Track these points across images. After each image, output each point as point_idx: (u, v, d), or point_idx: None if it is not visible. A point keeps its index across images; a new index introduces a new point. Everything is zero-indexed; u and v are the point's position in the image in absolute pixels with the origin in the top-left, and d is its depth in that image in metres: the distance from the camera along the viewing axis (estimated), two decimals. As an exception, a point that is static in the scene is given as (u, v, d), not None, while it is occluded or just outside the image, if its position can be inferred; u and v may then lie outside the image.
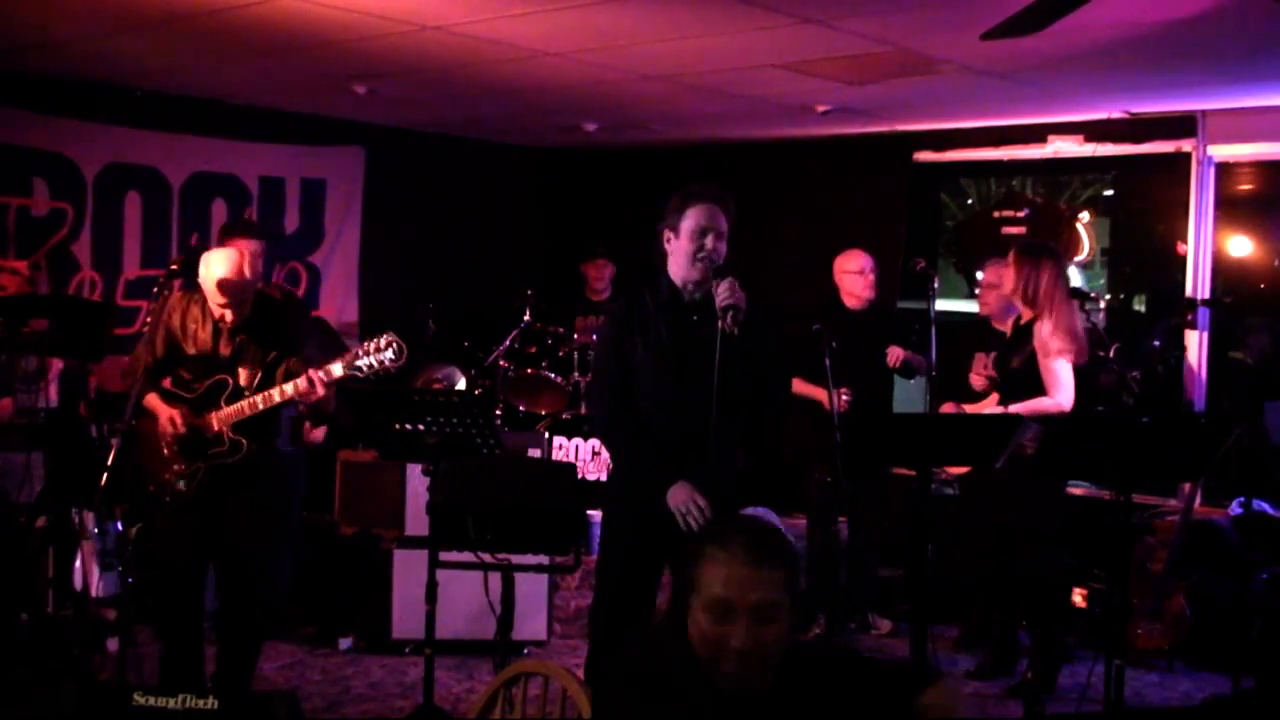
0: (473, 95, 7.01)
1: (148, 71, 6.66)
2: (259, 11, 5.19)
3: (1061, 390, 5.22)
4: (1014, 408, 5.30)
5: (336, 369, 4.41)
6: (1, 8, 5.35)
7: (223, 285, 4.42)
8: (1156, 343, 6.61)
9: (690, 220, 3.98)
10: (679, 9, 5.02)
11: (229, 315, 4.49)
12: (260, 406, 4.50)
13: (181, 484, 4.52)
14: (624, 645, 2.34)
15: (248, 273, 4.51)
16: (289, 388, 4.47)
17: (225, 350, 4.57)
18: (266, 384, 4.54)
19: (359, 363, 4.38)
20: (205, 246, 7.59)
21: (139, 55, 6.21)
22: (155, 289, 4.66)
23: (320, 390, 4.42)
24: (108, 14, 5.36)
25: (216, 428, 4.53)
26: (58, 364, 5.77)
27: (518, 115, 7.74)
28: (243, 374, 4.56)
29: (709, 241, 3.94)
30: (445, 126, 8.45)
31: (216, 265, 4.44)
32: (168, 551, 4.59)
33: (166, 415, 4.52)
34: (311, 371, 4.42)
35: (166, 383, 4.67)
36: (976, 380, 5.68)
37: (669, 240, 4.04)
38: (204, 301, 4.57)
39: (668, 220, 4.04)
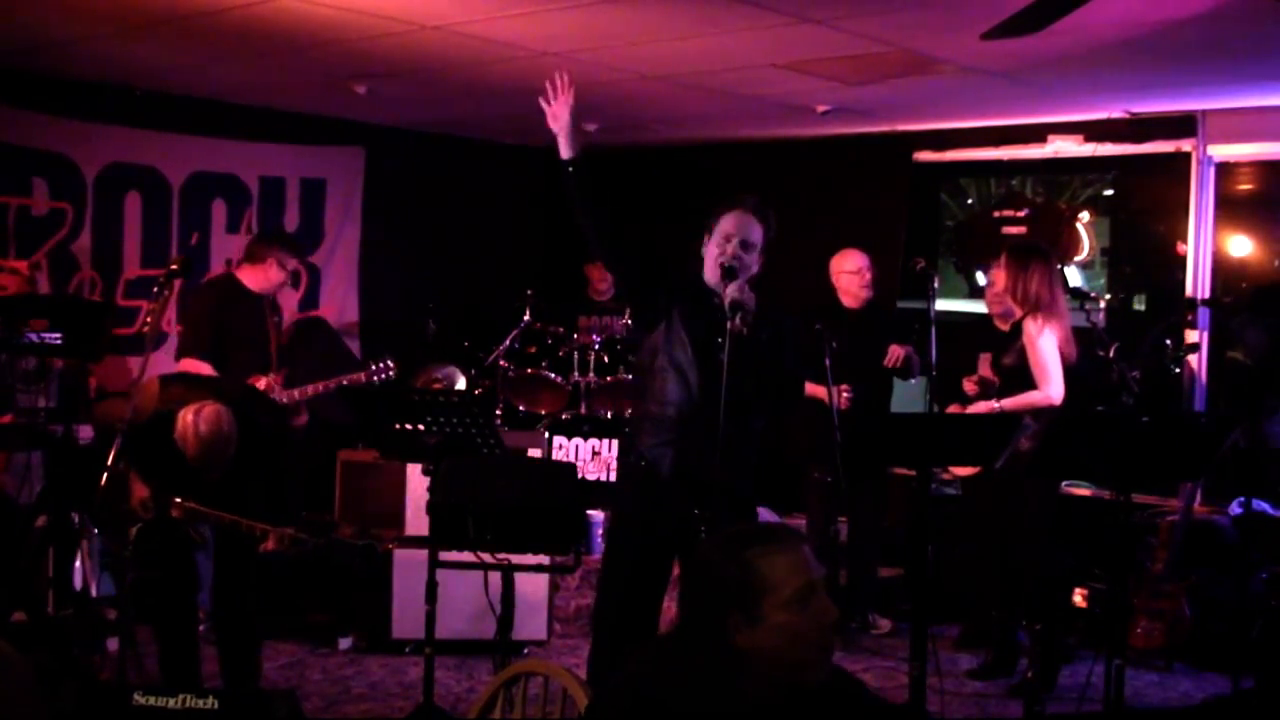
0: (473, 95, 7.00)
1: (148, 71, 6.66)
2: (259, 11, 5.19)
3: (1051, 384, 5.27)
4: (1005, 402, 5.38)
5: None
6: (2, 8, 5.35)
7: (187, 455, 4.37)
8: (1168, 341, 6.61)
9: (721, 225, 4.09)
10: (679, 9, 5.02)
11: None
12: (224, 522, 4.38)
13: (129, 543, 4.46)
14: (627, 664, 2.29)
15: (226, 429, 4.40)
16: (256, 530, 4.30)
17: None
18: (236, 512, 4.39)
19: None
20: (205, 246, 7.65)
21: (139, 55, 6.21)
22: (155, 289, 4.65)
23: (270, 548, 4.29)
24: (108, 14, 5.36)
25: (177, 515, 4.43)
26: (59, 364, 5.77)
27: (518, 115, 7.70)
28: (210, 490, 4.44)
29: (731, 247, 4.02)
30: (445, 126, 8.45)
31: (183, 429, 4.36)
32: (160, 550, 4.59)
33: (138, 497, 4.46)
34: (280, 533, 4.29)
35: None
36: (968, 385, 5.70)
37: (705, 242, 4.14)
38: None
39: (707, 223, 4.15)
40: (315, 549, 4.21)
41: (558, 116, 4.07)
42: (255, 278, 6.01)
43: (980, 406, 5.48)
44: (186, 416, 4.39)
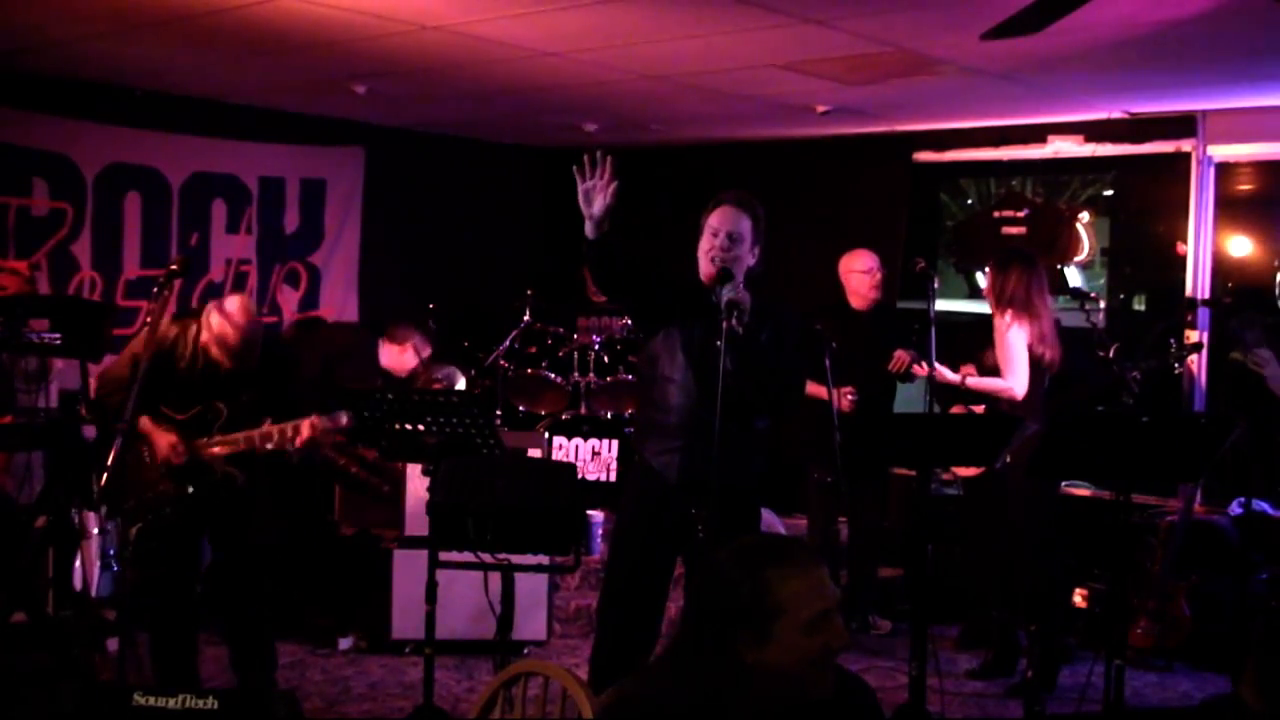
0: (472, 95, 7.01)
1: (148, 71, 6.66)
2: (259, 11, 5.19)
3: (1014, 375, 5.35)
4: (971, 381, 5.50)
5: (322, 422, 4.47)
6: (1, 8, 5.35)
7: (228, 350, 4.43)
8: (1171, 341, 6.61)
9: (708, 223, 4.14)
10: (679, 9, 5.02)
11: (232, 366, 4.47)
12: (256, 444, 4.47)
13: (169, 509, 4.51)
14: (631, 676, 2.27)
15: (254, 312, 4.52)
16: (289, 430, 4.45)
17: (211, 381, 4.53)
18: (259, 423, 4.50)
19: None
20: (205, 246, 7.65)
21: (139, 55, 6.21)
22: (155, 289, 4.64)
23: (306, 435, 4.45)
24: (108, 14, 5.36)
25: (208, 457, 4.50)
26: (58, 364, 5.77)
27: (518, 115, 7.74)
28: (238, 406, 4.52)
29: (718, 241, 4.07)
30: (445, 126, 8.45)
31: (221, 321, 4.43)
32: (162, 549, 4.62)
33: (167, 442, 4.49)
34: (311, 421, 4.46)
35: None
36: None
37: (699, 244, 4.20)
38: (196, 332, 4.55)
39: (699, 225, 4.21)
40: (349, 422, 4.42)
41: (590, 202, 3.88)
42: (389, 356, 6.44)
43: (949, 376, 5.52)
44: (216, 310, 4.44)
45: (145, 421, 4.52)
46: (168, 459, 4.48)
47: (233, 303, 4.49)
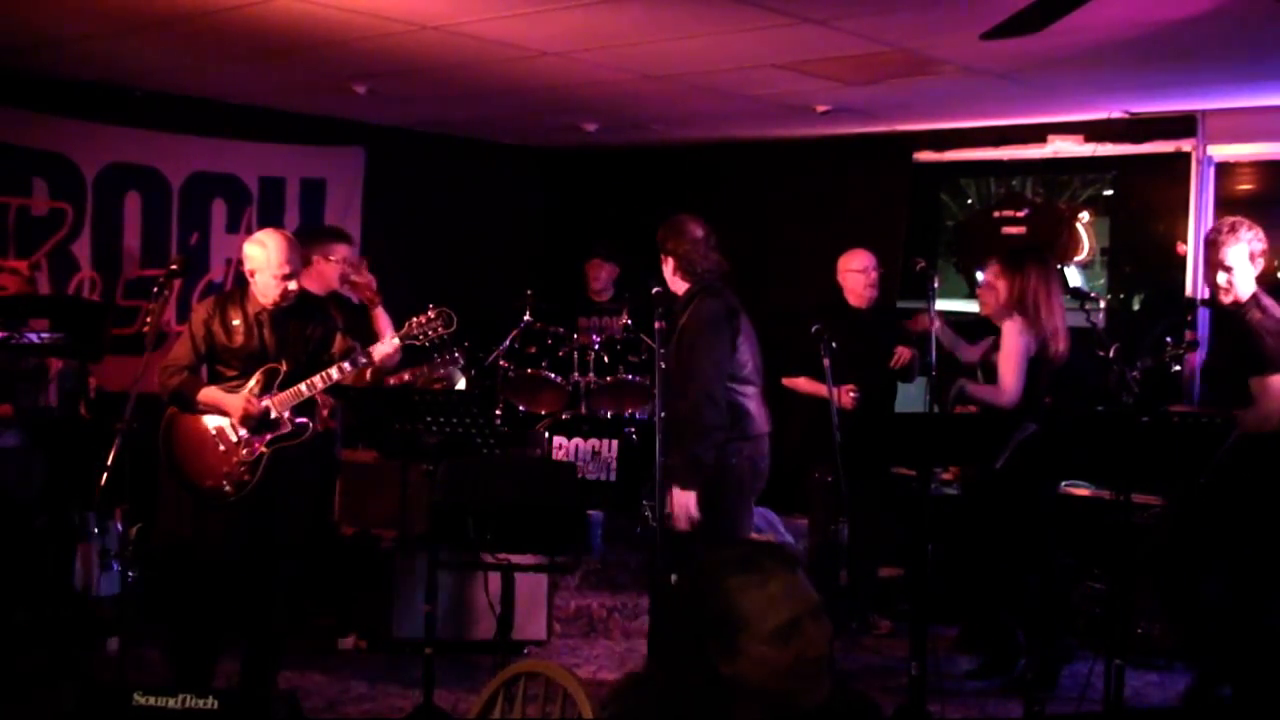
0: (472, 95, 7.01)
1: (148, 71, 6.66)
2: (259, 11, 5.19)
3: (1008, 384, 5.31)
4: (972, 387, 5.49)
5: (396, 340, 4.77)
6: (1, 8, 5.35)
7: (287, 254, 4.58)
8: (1169, 339, 6.60)
9: None
10: (679, 9, 5.02)
11: (291, 286, 4.61)
12: (319, 386, 4.62)
13: (246, 473, 4.59)
14: (620, 698, 2.23)
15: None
16: (346, 365, 4.63)
17: (270, 341, 4.66)
18: (315, 367, 4.64)
19: (415, 333, 4.72)
20: (205, 246, 7.65)
21: (139, 55, 6.21)
22: (155, 289, 4.66)
23: (387, 357, 4.79)
24: (108, 14, 5.36)
25: (276, 413, 4.61)
26: (57, 364, 5.77)
27: (518, 115, 7.74)
28: (289, 362, 4.66)
29: None
30: (445, 126, 8.45)
31: (271, 237, 4.62)
32: (211, 551, 4.66)
33: (241, 399, 4.59)
34: (383, 342, 4.78)
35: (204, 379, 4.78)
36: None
37: None
38: (240, 299, 4.69)
39: None
40: (427, 340, 4.75)
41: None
42: (312, 282, 6.00)
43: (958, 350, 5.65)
44: (246, 245, 4.68)
45: (210, 392, 4.63)
46: (246, 412, 4.57)
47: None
